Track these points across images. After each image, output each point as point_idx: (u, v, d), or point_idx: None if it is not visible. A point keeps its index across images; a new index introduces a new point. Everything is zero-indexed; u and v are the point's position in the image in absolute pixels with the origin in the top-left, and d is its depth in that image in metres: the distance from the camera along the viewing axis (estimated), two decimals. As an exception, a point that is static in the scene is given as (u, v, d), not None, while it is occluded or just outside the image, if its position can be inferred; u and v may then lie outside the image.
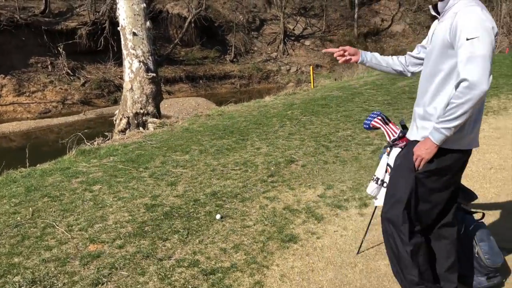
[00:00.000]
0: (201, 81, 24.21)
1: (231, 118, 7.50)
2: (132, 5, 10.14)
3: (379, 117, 2.76)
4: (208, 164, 4.95)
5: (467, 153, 2.12)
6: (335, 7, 31.61)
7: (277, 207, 3.68)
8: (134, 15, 10.21)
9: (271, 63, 27.30)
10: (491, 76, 1.85)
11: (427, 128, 2.09)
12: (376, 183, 2.72)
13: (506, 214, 3.32)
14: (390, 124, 2.72)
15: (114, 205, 3.89)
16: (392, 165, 2.61)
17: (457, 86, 1.91)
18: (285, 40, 28.39)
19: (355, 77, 14.39)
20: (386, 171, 2.69)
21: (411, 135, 2.27)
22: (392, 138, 2.67)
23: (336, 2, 32.01)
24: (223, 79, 25.14)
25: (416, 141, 2.16)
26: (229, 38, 27.14)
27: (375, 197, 2.76)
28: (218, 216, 3.53)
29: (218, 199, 3.91)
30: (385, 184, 2.67)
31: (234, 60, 26.46)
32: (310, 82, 12.42)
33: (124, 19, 10.16)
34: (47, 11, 22.01)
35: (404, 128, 2.71)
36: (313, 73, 12.17)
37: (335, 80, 15.36)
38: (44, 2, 22.12)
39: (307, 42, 29.36)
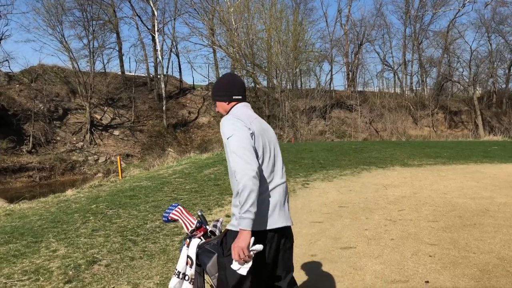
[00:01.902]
0: (-12, 176, 20.94)
1: (22, 218, 6.56)
2: None
3: (177, 209, 2.80)
4: (-13, 277, 4.12)
5: (256, 237, 2.22)
6: (143, 99, 32.43)
7: (74, 319, 3.24)
8: None
9: (76, 153, 25.67)
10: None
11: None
12: (178, 277, 2.65)
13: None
14: (187, 215, 2.77)
15: None
16: (192, 257, 2.63)
17: None
18: (92, 129, 27.37)
19: (165, 166, 14.60)
20: (187, 264, 2.67)
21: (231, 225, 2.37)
22: (190, 229, 2.72)
23: (144, 95, 32.94)
24: (18, 172, 22.30)
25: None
26: (26, 127, 24.70)
27: None
28: None
29: (-3, 321, 3.24)
30: (186, 277, 2.63)
31: (33, 150, 23.98)
32: (122, 171, 12.04)
33: None
34: None
35: (202, 218, 2.80)
36: (120, 163, 11.88)
37: (146, 169, 15.27)
38: None
39: (116, 132, 28.90)
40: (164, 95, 31.19)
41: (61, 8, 28.37)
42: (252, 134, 2.29)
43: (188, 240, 2.68)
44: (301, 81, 38.63)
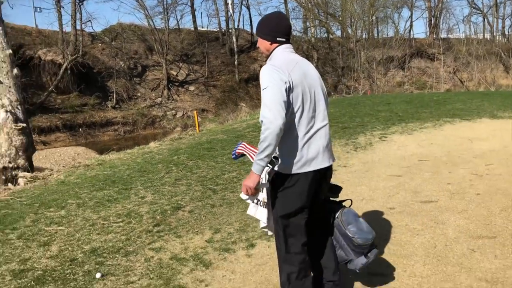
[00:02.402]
0: (80, 129, 22.83)
1: (112, 167, 7.13)
2: (-4, 51, 9.31)
3: (242, 145, 3.02)
4: (87, 219, 4.59)
5: (301, 178, 2.44)
6: (216, 54, 32.81)
7: (164, 258, 3.53)
8: (-1, 61, 9.37)
9: (156, 108, 26.98)
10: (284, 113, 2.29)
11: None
12: (253, 202, 2.85)
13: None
14: (251, 148, 2.98)
15: (-29, 276, 3.35)
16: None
17: None
18: (169, 85, 28.44)
19: (238, 120, 14.89)
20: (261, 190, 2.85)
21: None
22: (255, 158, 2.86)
23: (216, 50, 33.28)
24: (105, 126, 24.03)
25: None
26: (109, 84, 26.28)
27: (256, 217, 2.84)
28: (98, 275, 3.25)
29: (98, 256, 3.62)
30: (260, 203, 2.79)
31: (117, 106, 25.59)
32: (196, 127, 12.51)
33: (-14, 66, 9.25)
34: None
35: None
36: (197, 117, 12.30)
37: (221, 123, 15.71)
38: None
39: (191, 88, 29.78)
40: (235, 49, 31.27)
41: (136, -34, 28.99)
42: (289, 87, 2.34)
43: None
44: (377, 30, 36.56)
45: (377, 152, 7.09)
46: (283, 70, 2.35)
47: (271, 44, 2.53)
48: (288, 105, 2.33)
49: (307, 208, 2.53)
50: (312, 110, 2.45)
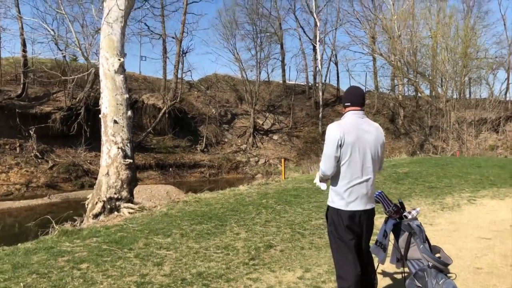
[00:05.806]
0: (171, 169, 24.57)
1: (208, 205, 7.84)
2: (116, 95, 10.78)
3: (380, 195, 3.49)
4: (190, 247, 5.21)
5: (342, 213, 3.14)
6: (301, 106, 33.88)
7: (261, 287, 3.97)
8: (117, 104, 10.82)
9: (240, 154, 28.25)
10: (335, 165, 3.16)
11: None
12: (376, 244, 3.49)
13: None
14: (386, 199, 3.47)
15: (105, 282, 4.05)
16: (387, 231, 3.43)
17: None
18: (255, 133, 29.76)
19: (321, 171, 15.17)
20: (383, 236, 3.46)
21: None
22: (387, 209, 3.43)
23: (302, 102, 34.40)
24: (192, 168, 25.62)
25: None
26: (201, 129, 28.22)
27: (376, 256, 3.46)
28: (206, 294, 3.77)
29: (204, 279, 4.16)
30: (382, 246, 3.44)
31: (205, 150, 27.26)
32: (279, 174, 13.09)
33: (106, 108, 10.74)
34: (23, 95, 22.56)
35: (401, 205, 3.50)
36: (284, 165, 12.89)
37: (303, 173, 16.15)
38: (22, 86, 22.77)
39: (275, 137, 30.84)
40: (321, 103, 32.08)
41: (235, 23, 31.70)
42: (340, 144, 3.11)
43: (386, 219, 3.47)
44: (470, 90, 35.33)
45: (465, 214, 7.03)
46: (340, 130, 3.13)
47: (345, 109, 3.34)
48: (338, 158, 3.13)
49: (352, 238, 3.16)
50: (359, 165, 3.15)
